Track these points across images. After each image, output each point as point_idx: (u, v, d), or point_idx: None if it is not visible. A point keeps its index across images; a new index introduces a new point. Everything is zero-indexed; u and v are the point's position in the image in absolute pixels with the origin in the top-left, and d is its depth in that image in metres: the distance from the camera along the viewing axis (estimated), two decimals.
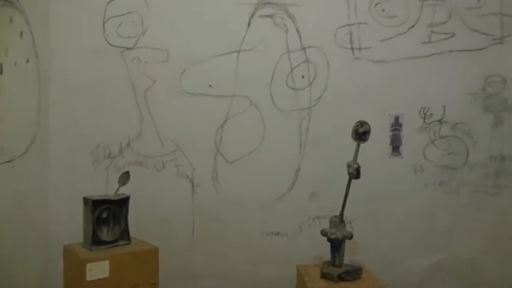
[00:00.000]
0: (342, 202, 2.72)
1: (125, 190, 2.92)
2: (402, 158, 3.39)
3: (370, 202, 3.34)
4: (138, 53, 3.31)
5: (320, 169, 3.35)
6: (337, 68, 3.37)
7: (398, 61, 3.37)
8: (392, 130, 3.39)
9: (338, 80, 3.37)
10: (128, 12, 3.30)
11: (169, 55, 3.31)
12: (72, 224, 2.87)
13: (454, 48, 3.37)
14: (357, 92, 3.36)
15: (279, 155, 3.36)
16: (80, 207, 2.75)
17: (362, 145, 2.64)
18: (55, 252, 2.95)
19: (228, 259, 3.37)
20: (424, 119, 3.39)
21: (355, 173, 2.63)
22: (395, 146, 3.39)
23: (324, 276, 2.67)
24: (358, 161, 2.63)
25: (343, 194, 2.71)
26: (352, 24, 3.38)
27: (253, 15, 3.34)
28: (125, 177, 2.97)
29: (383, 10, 3.37)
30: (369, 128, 2.62)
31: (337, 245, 2.71)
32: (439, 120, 3.38)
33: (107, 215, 2.78)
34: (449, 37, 3.37)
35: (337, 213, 2.73)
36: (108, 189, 3.19)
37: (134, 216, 2.90)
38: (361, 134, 2.62)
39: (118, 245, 2.79)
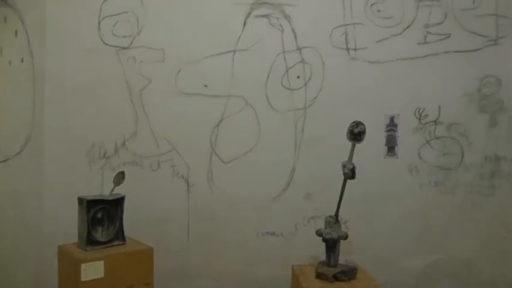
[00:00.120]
0: (337, 202, 2.72)
1: (120, 190, 2.92)
2: (397, 158, 3.40)
3: (365, 202, 3.35)
4: (134, 52, 3.30)
5: (315, 169, 3.35)
6: (333, 69, 3.37)
7: (394, 62, 3.37)
8: (388, 130, 3.39)
9: (333, 80, 3.37)
10: (124, 12, 3.29)
11: (165, 55, 3.31)
12: (67, 224, 2.86)
13: (450, 49, 3.38)
14: (352, 92, 3.37)
15: (274, 155, 3.36)
16: (74, 207, 2.74)
17: (357, 145, 2.64)
18: (50, 252, 2.95)
19: (223, 259, 3.37)
20: (420, 119, 3.39)
21: (350, 173, 2.63)
22: (391, 146, 3.39)
23: (319, 276, 2.67)
24: (354, 161, 2.63)
25: (339, 194, 2.71)
26: (348, 25, 3.38)
27: (248, 15, 3.34)
28: (120, 177, 2.96)
29: (378, 11, 3.38)
30: (364, 129, 2.62)
31: (332, 245, 2.71)
32: (435, 121, 3.39)
33: (102, 215, 2.78)
34: (445, 38, 3.38)
35: (333, 213, 2.73)
36: (103, 189, 3.19)
37: (129, 216, 2.90)
38: (356, 134, 2.62)
39: (113, 245, 2.78)
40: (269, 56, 3.36)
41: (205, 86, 3.34)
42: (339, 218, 2.74)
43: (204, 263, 3.36)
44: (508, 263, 3.40)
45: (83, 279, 2.53)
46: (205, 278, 3.35)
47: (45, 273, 3.15)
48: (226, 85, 3.34)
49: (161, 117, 3.33)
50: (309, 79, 3.38)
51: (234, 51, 3.34)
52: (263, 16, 3.35)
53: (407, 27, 3.38)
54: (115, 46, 3.30)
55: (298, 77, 3.38)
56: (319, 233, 2.73)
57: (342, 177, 2.66)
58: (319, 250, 2.81)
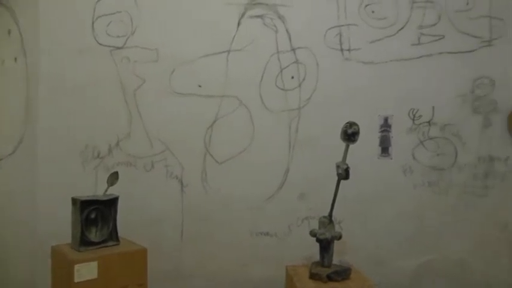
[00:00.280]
0: (331, 203, 2.72)
1: (113, 190, 2.90)
2: (391, 159, 3.40)
3: (359, 203, 3.36)
4: (128, 52, 3.30)
5: (309, 170, 3.36)
6: (327, 69, 3.38)
7: (388, 62, 3.38)
8: (382, 131, 3.40)
9: (327, 81, 3.38)
10: (117, 12, 3.28)
11: (159, 55, 3.30)
12: (61, 224, 2.85)
13: (443, 50, 3.39)
14: (346, 93, 3.37)
15: (268, 155, 3.36)
16: (68, 207, 2.73)
17: (351, 146, 2.64)
18: (43, 253, 2.93)
19: (217, 259, 3.36)
20: (413, 120, 3.40)
21: (344, 174, 2.63)
22: (385, 147, 3.40)
23: (313, 276, 2.67)
24: (347, 161, 2.63)
25: (332, 194, 2.71)
26: (342, 26, 3.39)
27: (243, 15, 3.34)
28: (113, 178, 2.95)
29: (373, 12, 3.38)
30: (358, 129, 2.62)
31: (326, 246, 2.71)
32: (428, 122, 3.40)
33: (96, 216, 2.76)
34: (439, 39, 3.39)
35: (326, 213, 2.73)
36: (96, 189, 3.18)
37: (123, 216, 2.89)
38: (350, 134, 2.62)
39: (106, 246, 2.77)
40: (263, 56, 3.36)
41: (199, 86, 3.33)
42: (333, 218, 2.74)
43: (198, 264, 3.36)
44: (501, 263, 3.42)
45: (76, 280, 2.51)
46: (199, 278, 3.35)
47: (38, 273, 3.14)
48: (220, 85, 3.34)
49: (155, 117, 3.32)
50: (303, 80, 3.38)
51: (228, 51, 3.34)
52: (257, 16, 3.35)
53: (402, 28, 3.39)
54: (109, 46, 3.29)
55: (292, 77, 3.38)
56: (313, 234, 2.73)
57: (336, 178, 2.66)
58: (313, 250, 2.81)
